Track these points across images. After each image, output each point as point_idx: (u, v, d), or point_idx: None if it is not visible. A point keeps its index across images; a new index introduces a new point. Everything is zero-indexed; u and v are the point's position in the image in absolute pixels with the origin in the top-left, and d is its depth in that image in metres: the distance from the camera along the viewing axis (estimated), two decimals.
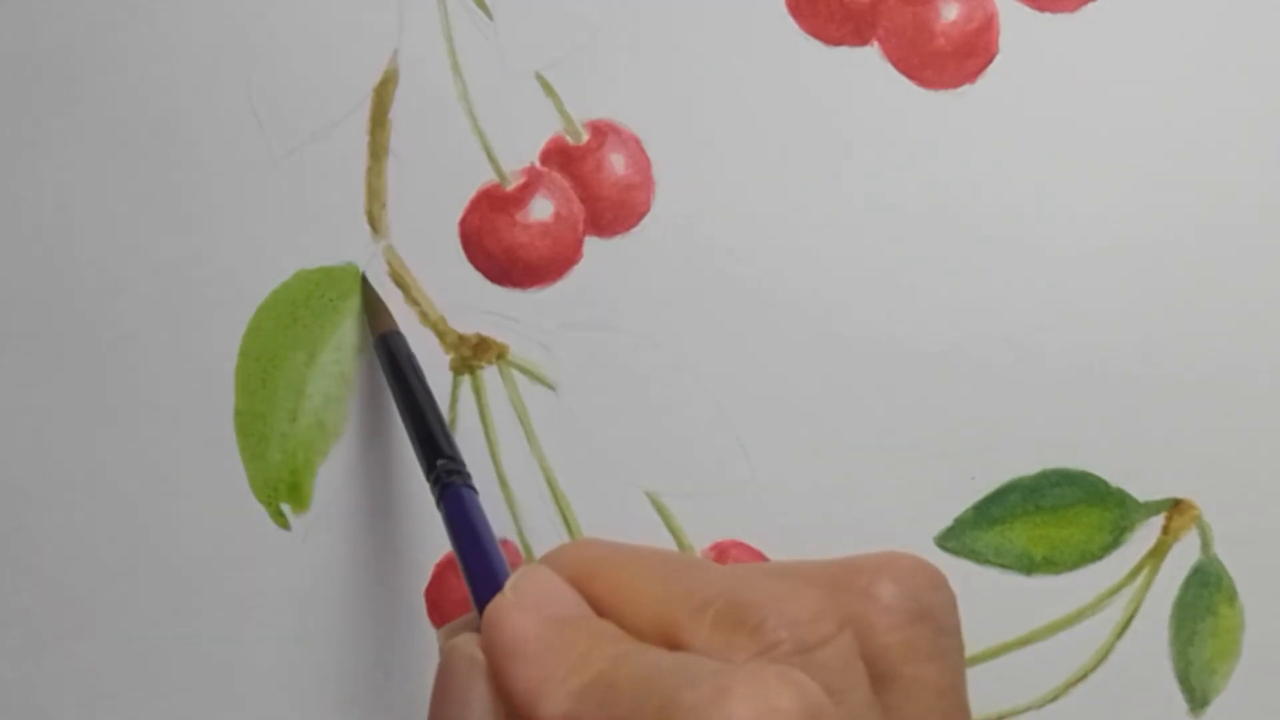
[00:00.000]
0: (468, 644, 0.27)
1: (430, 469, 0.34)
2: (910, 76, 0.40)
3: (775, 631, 0.24)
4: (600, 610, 0.27)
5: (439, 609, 0.40)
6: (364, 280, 0.39)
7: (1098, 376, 0.40)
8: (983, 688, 0.40)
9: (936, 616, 0.26)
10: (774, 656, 0.24)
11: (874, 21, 0.40)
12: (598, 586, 0.27)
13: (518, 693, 0.25)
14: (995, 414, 0.40)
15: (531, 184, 0.40)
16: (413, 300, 0.40)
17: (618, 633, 0.26)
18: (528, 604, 0.27)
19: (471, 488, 0.33)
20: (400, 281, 0.40)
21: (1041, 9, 0.40)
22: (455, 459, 0.34)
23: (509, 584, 0.27)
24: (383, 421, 0.40)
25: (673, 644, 0.25)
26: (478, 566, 0.30)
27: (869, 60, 0.40)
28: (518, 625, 0.26)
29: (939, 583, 0.27)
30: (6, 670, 0.40)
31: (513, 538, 0.40)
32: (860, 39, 0.40)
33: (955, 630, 0.27)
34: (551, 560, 0.29)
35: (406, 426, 0.35)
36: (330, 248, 0.40)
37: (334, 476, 0.40)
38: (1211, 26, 0.40)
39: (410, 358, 0.37)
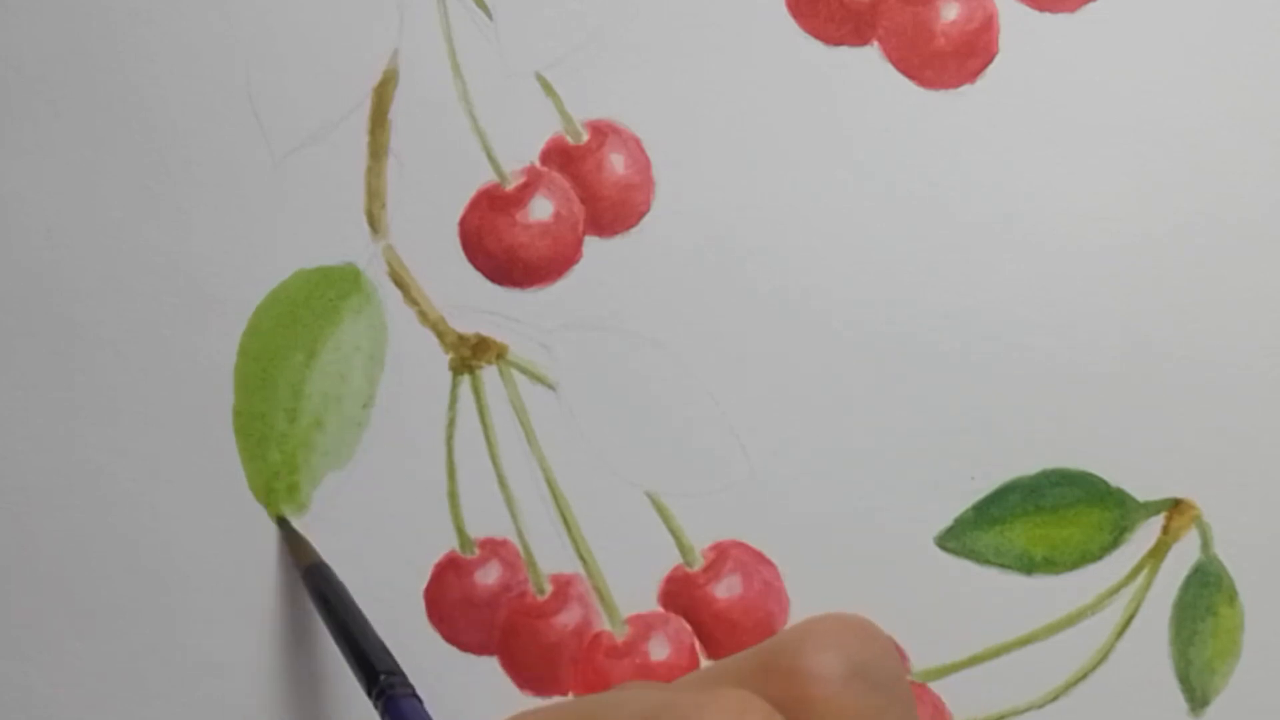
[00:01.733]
0: None
1: (372, 686, 0.35)
2: (910, 76, 0.40)
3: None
4: None
5: (439, 609, 0.40)
6: (281, 521, 0.40)
7: (1098, 376, 0.40)
8: (983, 688, 0.40)
9: (870, 673, 0.26)
10: None
11: (874, 21, 0.40)
12: None
13: None
14: (995, 414, 0.40)
15: (531, 184, 0.40)
16: (412, 300, 0.40)
17: None
18: None
19: (416, 696, 0.34)
20: (400, 281, 0.40)
21: (1041, 9, 0.40)
22: (395, 671, 0.35)
23: None
24: (383, 421, 0.40)
25: None
26: None
27: (869, 60, 0.40)
28: None
29: (867, 636, 0.26)
30: (6, 670, 0.40)
31: (513, 538, 0.40)
32: (860, 39, 0.40)
33: (894, 679, 0.26)
34: None
35: (343, 652, 0.36)
36: (330, 248, 0.40)
37: (333, 476, 0.40)
38: (1211, 26, 0.40)
39: (337, 586, 0.38)
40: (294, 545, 0.40)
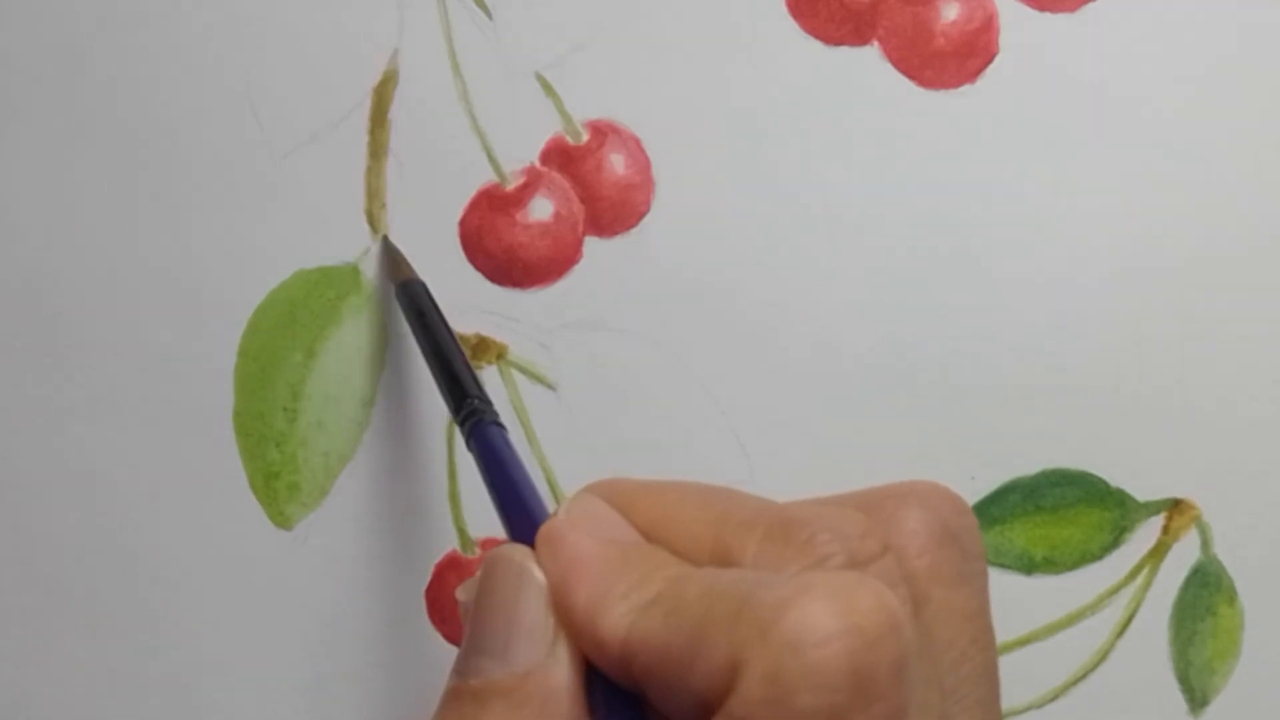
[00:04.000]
0: (515, 553, 0.27)
1: (458, 409, 0.33)
2: (910, 76, 0.40)
3: (827, 545, 0.24)
4: (648, 539, 0.27)
5: (439, 609, 0.40)
6: (384, 239, 0.39)
7: (1098, 377, 0.40)
8: None
9: (962, 541, 0.26)
10: (827, 570, 0.24)
11: (874, 21, 0.40)
12: (639, 517, 0.27)
13: (577, 608, 0.25)
14: (995, 414, 0.40)
15: (531, 184, 0.40)
16: None
17: (674, 558, 0.26)
18: (584, 527, 0.26)
19: (501, 425, 0.32)
20: None
21: (1041, 9, 0.40)
22: (482, 398, 0.33)
23: (563, 509, 0.27)
24: (383, 421, 0.40)
25: (724, 564, 0.25)
26: (516, 498, 0.29)
27: (869, 60, 0.40)
28: (576, 544, 0.26)
29: (961, 509, 0.27)
30: (6, 670, 0.40)
31: None
32: (860, 39, 0.40)
33: (980, 555, 0.26)
34: (592, 492, 0.28)
35: (432, 369, 0.35)
36: (329, 248, 0.40)
37: (334, 476, 0.40)
38: (1211, 26, 0.40)
39: (432, 303, 0.37)
40: (392, 260, 0.39)
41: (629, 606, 0.25)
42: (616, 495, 0.27)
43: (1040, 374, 0.40)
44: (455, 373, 0.34)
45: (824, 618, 0.22)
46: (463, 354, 0.35)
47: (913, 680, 0.23)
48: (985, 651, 0.26)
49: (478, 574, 0.27)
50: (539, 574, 0.26)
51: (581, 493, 0.27)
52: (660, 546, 0.26)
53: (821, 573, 0.23)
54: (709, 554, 0.25)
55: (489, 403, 0.33)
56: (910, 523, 0.26)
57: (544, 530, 0.26)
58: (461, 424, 0.33)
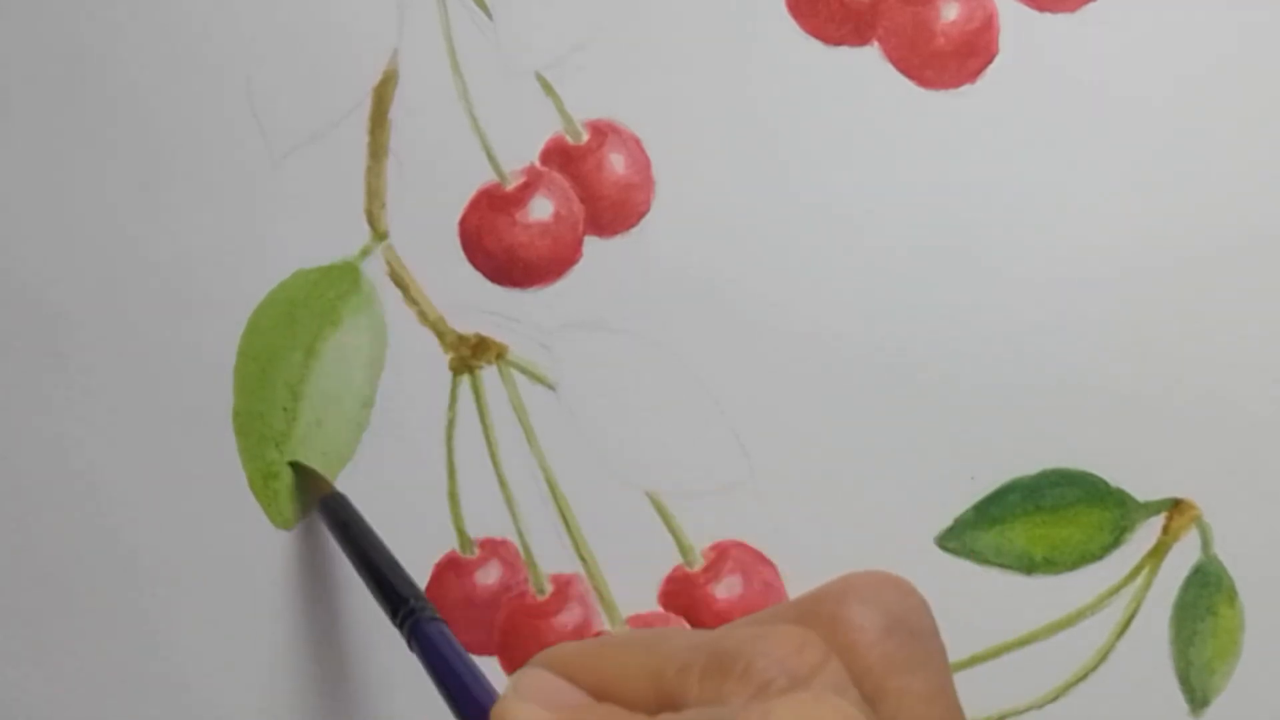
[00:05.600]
0: None
1: (395, 612, 0.34)
2: (910, 76, 0.40)
3: (765, 671, 0.24)
4: (597, 699, 0.27)
5: (439, 609, 0.40)
6: (292, 464, 0.40)
7: (1098, 377, 0.40)
8: (983, 688, 0.40)
9: (909, 623, 0.26)
10: (770, 695, 0.24)
11: (874, 21, 0.40)
12: (584, 680, 0.27)
13: None
14: (995, 414, 0.40)
15: (531, 184, 0.40)
16: (412, 300, 0.40)
17: (626, 711, 0.26)
18: (534, 698, 0.27)
19: (438, 619, 0.34)
20: (399, 281, 0.40)
21: (1041, 9, 0.40)
22: (417, 596, 0.34)
23: (510, 687, 0.28)
24: (382, 421, 0.40)
25: (674, 709, 0.25)
26: (464, 688, 0.30)
27: (869, 60, 0.40)
28: (530, 717, 0.26)
29: (905, 590, 0.27)
30: (6, 670, 0.40)
31: (513, 538, 0.40)
32: (860, 39, 0.40)
33: (932, 633, 0.27)
34: (534, 665, 0.29)
35: (364, 578, 0.36)
36: (329, 248, 0.40)
37: (333, 476, 0.40)
38: (1211, 26, 0.40)
39: (354, 513, 0.38)
40: (308, 480, 0.39)
41: None
42: (558, 663, 0.27)
43: (1040, 374, 0.40)
44: (387, 578, 0.35)
45: None
46: (391, 557, 0.36)
47: None
48: None
49: None
50: None
51: (524, 669, 0.28)
52: (610, 704, 0.26)
53: (778, 701, 0.23)
54: (655, 703, 0.25)
55: (424, 599, 0.34)
56: (854, 619, 0.26)
57: (496, 711, 0.27)
58: (400, 626, 0.34)
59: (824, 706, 0.23)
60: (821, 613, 0.26)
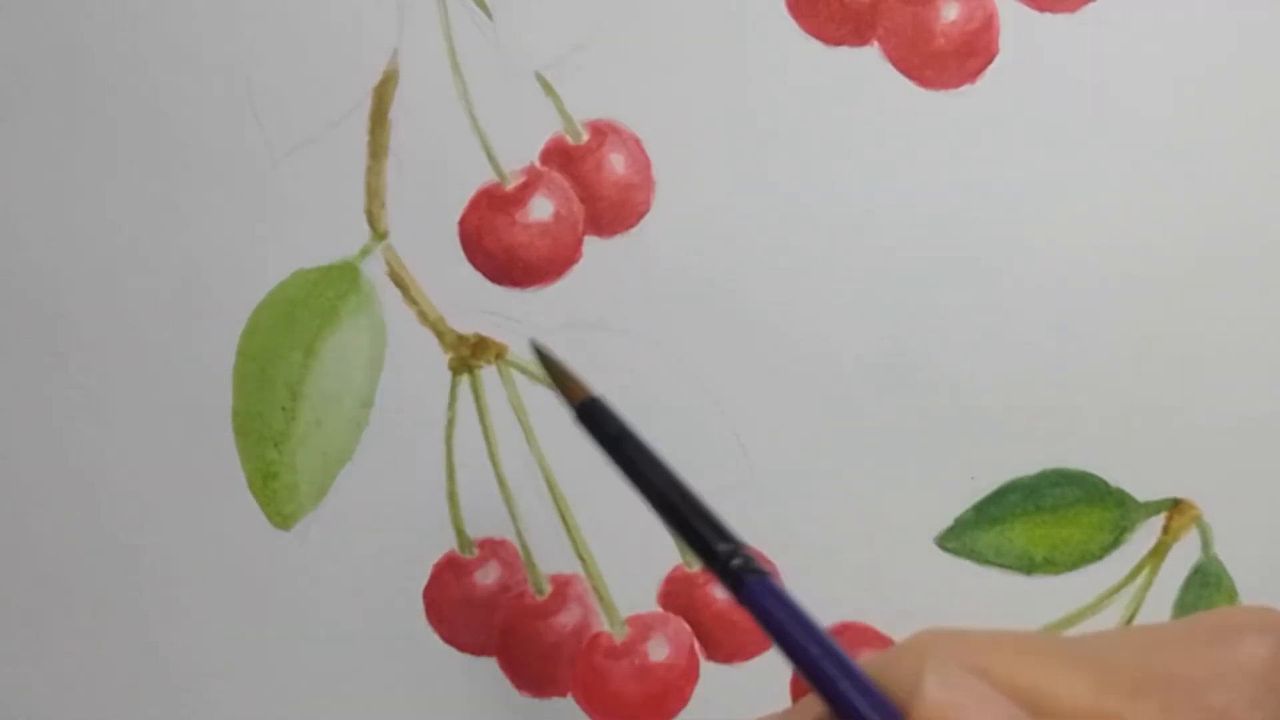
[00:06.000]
0: None
1: (715, 559, 0.28)
2: (910, 76, 0.40)
3: (1249, 715, 0.23)
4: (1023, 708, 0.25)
5: (438, 609, 0.40)
6: (542, 354, 0.33)
7: (1098, 376, 0.40)
8: None
9: None
10: None
11: (874, 21, 0.40)
12: (999, 679, 0.24)
13: None
14: (995, 414, 0.40)
15: (531, 184, 0.40)
16: (411, 300, 0.40)
17: None
18: (974, 712, 0.24)
19: (766, 573, 0.28)
20: (399, 281, 0.40)
21: (1041, 9, 0.40)
22: (736, 541, 0.29)
23: (932, 684, 0.24)
24: (381, 421, 0.40)
25: None
26: (855, 678, 0.25)
27: (869, 60, 0.40)
28: None
29: None
30: (6, 670, 0.40)
31: (512, 538, 0.40)
32: (860, 39, 0.40)
33: None
34: (919, 654, 0.25)
35: (661, 515, 0.30)
36: (329, 247, 0.40)
37: (332, 476, 0.40)
38: (1211, 26, 0.40)
39: (624, 429, 0.31)
40: (562, 381, 0.32)
41: None
42: (970, 656, 0.25)
43: (1040, 374, 0.40)
44: (689, 521, 0.29)
45: None
46: (690, 491, 0.30)
47: None
48: None
49: None
50: None
51: (938, 663, 0.25)
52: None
53: None
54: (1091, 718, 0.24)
55: (744, 545, 0.29)
56: (1261, 650, 0.25)
57: (923, 715, 0.24)
58: (722, 577, 0.28)
59: None
60: (1226, 639, 0.25)
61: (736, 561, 0.28)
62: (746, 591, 0.27)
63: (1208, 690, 0.23)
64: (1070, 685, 0.24)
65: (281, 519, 0.40)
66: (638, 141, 0.40)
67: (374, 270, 0.40)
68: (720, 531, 0.28)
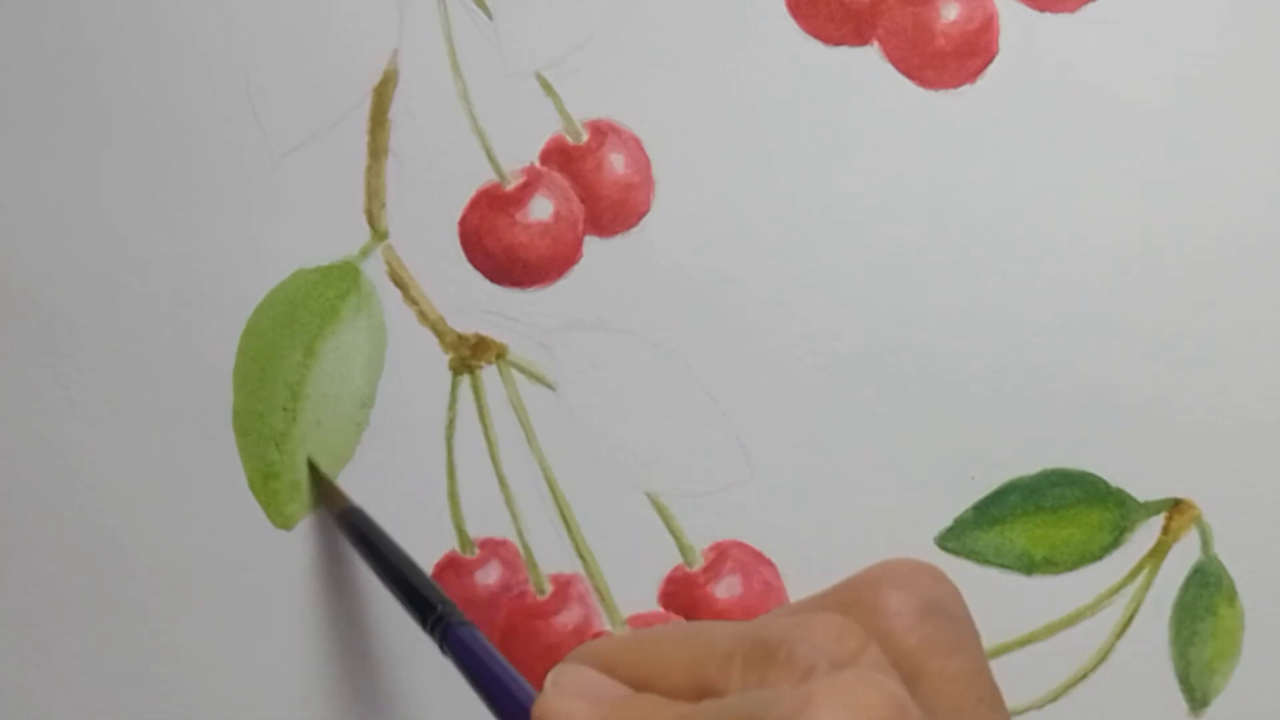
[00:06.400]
0: None
1: (427, 618, 0.34)
2: (910, 76, 0.40)
3: (807, 657, 0.25)
4: (637, 691, 0.27)
5: None
6: (311, 468, 0.40)
7: (1098, 377, 0.40)
8: None
9: (945, 608, 0.27)
10: (813, 681, 0.24)
11: (874, 21, 0.40)
12: (623, 674, 0.27)
13: None
14: (995, 414, 0.40)
15: (531, 184, 0.40)
16: (411, 300, 0.40)
17: (667, 700, 0.26)
18: (573, 692, 0.27)
19: (468, 623, 0.34)
20: (399, 281, 0.40)
21: (1041, 9, 0.40)
22: (445, 603, 0.34)
23: (549, 682, 0.28)
24: (382, 421, 0.40)
25: (713, 699, 0.26)
26: (503, 689, 0.30)
27: (869, 60, 0.40)
28: (571, 711, 0.26)
29: (937, 577, 0.27)
30: (6, 670, 0.40)
31: (513, 538, 0.40)
32: (860, 39, 0.40)
33: (966, 617, 0.27)
34: (572, 660, 0.29)
35: (392, 591, 0.36)
36: (329, 247, 0.40)
37: (333, 476, 0.40)
38: (1212, 26, 0.40)
39: (375, 527, 0.38)
40: (326, 492, 0.39)
41: None
42: (597, 658, 0.28)
43: (1040, 374, 0.40)
44: (414, 587, 0.35)
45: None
46: (415, 565, 0.36)
47: None
48: (995, 710, 0.26)
49: None
50: None
51: (562, 664, 0.28)
52: (651, 694, 0.27)
53: (821, 679, 0.24)
54: (696, 694, 0.26)
55: (451, 604, 0.34)
56: (891, 604, 0.26)
57: (537, 708, 0.27)
58: (431, 631, 0.34)
59: (866, 684, 0.23)
60: (858, 600, 0.26)
61: (443, 613, 0.34)
62: (451, 636, 0.33)
63: (795, 648, 0.25)
64: (666, 665, 0.26)
65: (282, 519, 0.40)
66: (638, 141, 0.40)
67: (374, 270, 0.40)
68: (438, 594, 0.35)
